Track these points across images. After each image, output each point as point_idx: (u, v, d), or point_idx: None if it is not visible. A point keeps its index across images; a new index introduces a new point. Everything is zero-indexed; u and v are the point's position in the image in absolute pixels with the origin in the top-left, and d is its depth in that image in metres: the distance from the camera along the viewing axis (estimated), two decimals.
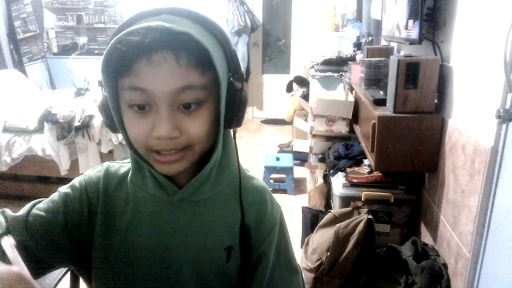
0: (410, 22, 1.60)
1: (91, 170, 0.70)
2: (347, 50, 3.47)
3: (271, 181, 3.15)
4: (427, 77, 1.45)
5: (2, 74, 3.35)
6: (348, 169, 1.87)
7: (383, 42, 2.48)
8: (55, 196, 0.66)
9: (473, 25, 1.30)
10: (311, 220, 2.10)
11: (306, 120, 3.57)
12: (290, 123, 4.03)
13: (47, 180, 2.98)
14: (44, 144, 2.66)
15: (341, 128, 2.27)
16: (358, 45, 3.15)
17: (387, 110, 1.55)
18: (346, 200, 1.77)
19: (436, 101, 1.50)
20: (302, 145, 3.41)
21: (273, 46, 5.25)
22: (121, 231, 0.66)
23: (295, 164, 3.18)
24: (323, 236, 1.68)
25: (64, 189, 0.67)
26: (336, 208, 1.83)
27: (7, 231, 0.59)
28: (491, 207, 1.18)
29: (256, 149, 4.05)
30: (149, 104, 0.55)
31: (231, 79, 0.60)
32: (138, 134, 0.57)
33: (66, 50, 5.06)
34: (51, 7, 5.06)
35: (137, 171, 0.66)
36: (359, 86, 2.08)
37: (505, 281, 1.11)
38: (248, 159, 3.70)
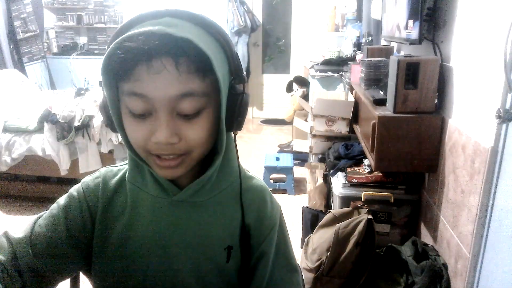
0: (410, 22, 1.60)
1: (89, 177, 0.70)
2: (347, 50, 3.47)
3: (271, 181, 3.15)
4: (427, 77, 1.45)
5: (2, 74, 3.35)
6: (348, 169, 1.87)
7: (383, 42, 2.48)
8: (54, 209, 0.66)
9: (473, 25, 1.30)
10: (311, 220, 2.10)
11: (306, 120, 3.57)
12: (290, 123, 4.03)
13: (47, 180, 2.98)
14: (44, 144, 2.66)
15: (341, 128, 2.27)
16: (358, 45, 3.15)
17: (387, 110, 1.55)
18: (346, 200, 1.77)
19: (436, 101, 1.50)
20: (302, 145, 3.41)
21: (273, 46, 5.25)
22: (118, 232, 0.66)
23: (295, 164, 3.18)
24: (323, 236, 1.68)
25: (63, 200, 0.67)
26: (336, 208, 1.83)
27: (14, 256, 0.61)
28: (491, 207, 1.18)
29: (256, 149, 4.05)
30: (149, 110, 0.54)
31: (233, 82, 0.59)
32: (137, 138, 0.57)
33: (66, 50, 5.06)
34: (51, 7, 5.06)
35: (136, 171, 0.66)
36: (359, 86, 2.08)
37: (505, 281, 1.11)
38: (248, 159, 3.70)
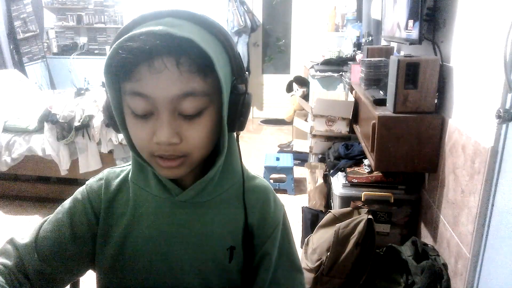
0: (410, 22, 1.60)
1: (92, 178, 0.71)
2: (347, 50, 3.47)
3: (271, 181, 3.16)
4: (427, 77, 1.45)
5: (2, 74, 3.35)
6: (348, 169, 1.87)
7: (383, 42, 2.48)
8: (59, 213, 0.67)
9: (473, 25, 1.30)
10: (311, 220, 2.10)
11: (306, 120, 3.57)
12: (290, 123, 4.03)
13: (47, 180, 2.98)
14: (44, 144, 2.66)
15: (341, 128, 2.27)
16: (358, 45, 3.15)
17: (387, 110, 1.55)
18: (346, 200, 1.77)
19: (436, 101, 1.50)
20: (302, 145, 3.41)
21: (273, 46, 5.25)
22: (120, 231, 0.66)
23: (295, 164, 3.18)
24: (323, 236, 1.68)
25: (67, 203, 0.68)
26: (336, 208, 1.83)
27: (21, 261, 0.61)
28: (491, 207, 1.18)
29: (256, 149, 4.06)
30: (150, 110, 0.55)
31: (235, 82, 0.59)
32: (139, 138, 0.57)
33: (66, 50, 5.06)
34: (51, 7, 5.06)
35: (139, 171, 0.66)
36: (359, 86, 2.08)
37: (505, 281, 1.11)
38: (248, 159, 3.70)
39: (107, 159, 2.72)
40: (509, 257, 1.09)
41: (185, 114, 0.55)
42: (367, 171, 1.81)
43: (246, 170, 0.71)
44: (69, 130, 2.63)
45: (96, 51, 5.11)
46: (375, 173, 1.76)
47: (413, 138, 1.50)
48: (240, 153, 0.67)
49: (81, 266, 0.67)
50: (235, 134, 0.65)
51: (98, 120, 2.61)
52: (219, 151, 0.62)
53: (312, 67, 3.27)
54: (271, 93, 5.32)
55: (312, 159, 2.64)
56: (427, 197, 1.65)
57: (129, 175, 0.67)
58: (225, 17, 4.72)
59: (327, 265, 1.57)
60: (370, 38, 2.79)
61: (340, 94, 2.99)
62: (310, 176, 2.51)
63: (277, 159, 3.17)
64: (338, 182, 1.86)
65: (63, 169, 2.71)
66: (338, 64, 3.13)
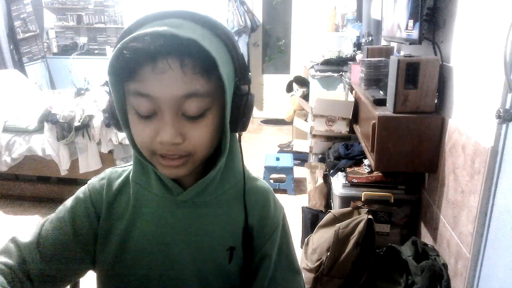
0: (410, 22, 1.60)
1: (94, 178, 0.71)
2: (347, 50, 3.47)
3: (271, 181, 3.16)
4: (427, 77, 1.45)
5: (2, 74, 3.35)
6: (348, 169, 1.87)
7: (383, 42, 2.48)
8: (61, 212, 0.67)
9: (473, 25, 1.30)
10: (311, 220, 2.10)
11: (306, 120, 3.57)
12: (290, 123, 4.03)
13: (47, 180, 2.98)
14: (44, 144, 2.66)
15: (341, 128, 2.27)
16: (358, 45, 3.15)
17: (387, 110, 1.55)
18: (346, 200, 1.77)
19: (436, 101, 1.50)
20: (302, 145, 3.41)
21: (273, 46, 5.25)
22: (121, 231, 0.66)
23: (295, 164, 3.18)
24: (323, 236, 1.68)
25: (69, 202, 0.68)
26: (336, 208, 1.83)
27: (23, 261, 0.61)
28: (491, 207, 1.18)
29: (256, 149, 4.06)
30: (154, 110, 0.55)
31: (238, 83, 0.59)
32: (142, 137, 0.57)
33: (66, 50, 5.06)
34: (51, 7, 5.06)
35: (141, 170, 0.66)
36: (359, 86, 2.08)
37: (505, 281, 1.11)
38: (248, 159, 3.70)
39: (107, 159, 2.72)
40: (509, 257, 1.09)
41: (188, 114, 0.55)
42: (367, 171, 1.81)
43: (247, 171, 0.71)
44: (69, 130, 2.63)
45: (96, 51, 5.11)
46: (375, 173, 1.76)
47: (413, 138, 1.50)
48: (242, 154, 0.68)
49: (83, 266, 0.67)
50: (237, 134, 0.65)
51: (98, 120, 2.61)
52: (220, 152, 0.62)
53: (312, 67, 3.27)
54: (271, 93, 5.32)
55: (312, 159, 2.64)
56: (427, 197, 1.65)
57: (131, 175, 0.67)
58: (225, 17, 4.72)
59: (327, 265, 1.57)
60: (370, 38, 2.79)
61: (340, 94, 2.99)
62: (310, 176, 2.51)
63: (277, 159, 3.17)
64: (338, 182, 1.86)
65: (63, 169, 2.71)
66: (338, 64, 3.13)
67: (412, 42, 1.61)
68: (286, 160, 3.14)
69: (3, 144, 2.72)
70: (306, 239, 1.83)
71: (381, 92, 1.73)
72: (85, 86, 3.54)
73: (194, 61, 0.52)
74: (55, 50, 5.10)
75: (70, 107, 2.65)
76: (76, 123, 2.61)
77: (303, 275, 0.77)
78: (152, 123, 0.55)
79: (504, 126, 1.12)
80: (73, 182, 2.85)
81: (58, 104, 2.70)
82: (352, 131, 2.24)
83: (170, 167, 0.58)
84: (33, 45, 4.59)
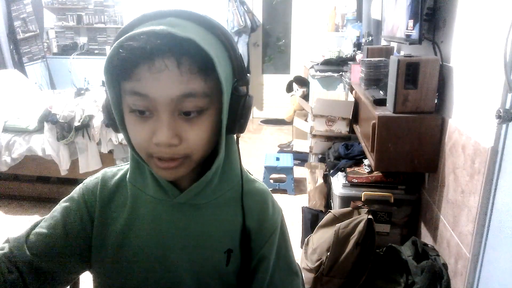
0: (410, 22, 1.60)
1: (90, 177, 0.71)
2: (347, 50, 3.47)
3: (271, 181, 3.15)
4: (427, 77, 1.45)
5: (2, 74, 3.35)
6: (348, 169, 1.87)
7: (383, 42, 2.48)
8: (55, 211, 0.67)
9: (473, 25, 1.30)
10: (311, 220, 2.10)
11: (306, 120, 3.57)
12: (290, 123, 4.03)
13: (47, 180, 2.98)
14: (44, 144, 2.66)
15: (341, 128, 2.27)
16: (358, 45, 3.15)
17: (387, 110, 1.55)
18: (346, 200, 1.77)
19: (436, 101, 1.50)
20: (302, 145, 3.41)
21: (273, 46, 5.25)
22: (117, 233, 0.65)
23: (295, 164, 3.18)
24: (323, 236, 1.68)
25: (63, 202, 0.68)
26: (336, 208, 1.83)
27: (10, 252, 0.61)
28: (491, 207, 1.18)
29: (256, 149, 4.06)
30: (150, 110, 0.54)
31: (236, 84, 0.58)
32: (139, 138, 0.56)
33: (66, 50, 5.06)
34: (51, 7, 5.06)
35: (137, 172, 0.66)
36: (359, 86, 2.08)
37: (505, 281, 1.11)
38: (248, 159, 3.70)
39: (107, 159, 2.72)
40: (509, 257, 1.09)
41: (185, 115, 0.54)
42: (367, 171, 1.81)
43: (245, 173, 0.71)
44: (69, 130, 2.63)
45: (96, 51, 5.11)
46: (375, 173, 1.76)
47: (413, 138, 1.50)
48: (240, 156, 0.67)
49: (75, 264, 0.66)
50: (235, 136, 0.64)
51: (98, 120, 2.61)
52: (217, 154, 0.61)
53: (312, 67, 3.27)
54: (271, 93, 5.32)
55: (312, 159, 2.64)
56: (427, 197, 1.65)
57: (127, 176, 0.67)
58: (225, 17, 4.72)
59: (327, 265, 1.57)
60: (370, 38, 2.79)
61: (340, 94, 2.99)
62: (310, 176, 2.51)
63: (277, 159, 3.17)
64: (338, 182, 1.86)
65: (63, 169, 2.71)
66: (338, 64, 3.13)
67: (412, 42, 1.61)
68: (286, 160, 3.14)
69: (3, 144, 2.72)
70: (306, 239, 1.83)
71: (381, 92, 1.73)
72: (85, 86, 3.54)
73: (191, 61, 0.52)
74: (55, 50, 5.10)
75: (70, 107, 2.65)
76: (76, 123, 2.61)
77: (302, 276, 0.77)
78: (149, 124, 0.55)
79: (504, 126, 1.12)
80: (73, 182, 2.84)
81: (58, 104, 2.70)
82: (352, 131, 2.24)
83: (166, 169, 0.57)
84: (33, 45, 4.59)
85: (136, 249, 0.65)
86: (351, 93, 2.35)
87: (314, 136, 2.38)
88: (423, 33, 1.53)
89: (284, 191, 3.06)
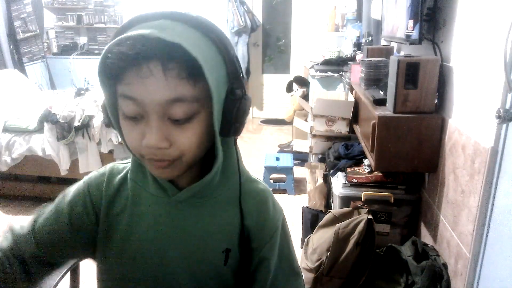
0: (410, 22, 1.60)
1: (95, 172, 0.71)
2: (347, 50, 3.47)
3: (271, 181, 3.15)
4: (427, 77, 1.45)
5: (2, 74, 3.35)
6: (348, 169, 1.87)
7: (383, 42, 2.48)
8: (59, 203, 0.68)
9: (473, 25, 1.30)
10: (311, 220, 2.10)
11: (306, 120, 3.57)
12: (290, 123, 4.03)
13: (47, 180, 2.98)
14: (44, 144, 2.66)
15: (341, 128, 2.27)
16: (358, 45, 3.15)
17: (387, 110, 1.55)
18: (346, 200, 1.77)
19: (436, 101, 1.50)
20: (302, 145, 3.41)
21: (273, 46, 5.25)
22: (121, 230, 0.66)
23: (295, 164, 3.18)
24: (323, 236, 1.68)
25: (68, 194, 0.69)
26: (336, 208, 1.83)
27: (16, 245, 0.63)
28: (491, 207, 1.18)
29: (256, 149, 4.06)
30: (140, 114, 0.54)
31: (231, 86, 0.57)
32: (131, 140, 0.57)
33: (66, 50, 5.06)
34: (51, 7, 5.06)
35: (138, 169, 0.67)
36: (359, 86, 2.08)
37: (505, 281, 1.11)
38: (248, 159, 3.70)
39: (107, 159, 2.72)
40: (509, 257, 1.09)
41: (175, 119, 0.54)
42: (367, 171, 1.81)
43: (246, 173, 0.71)
44: (69, 130, 2.63)
45: (96, 51, 5.11)
46: (375, 173, 1.76)
47: (413, 138, 1.50)
48: (238, 156, 0.66)
49: (78, 254, 0.69)
50: (232, 138, 0.64)
51: (98, 120, 2.61)
52: (215, 156, 0.61)
53: (312, 67, 3.27)
54: (271, 93, 5.32)
55: (312, 159, 2.64)
56: (427, 197, 1.65)
57: (129, 173, 0.67)
58: (225, 17, 4.72)
59: (327, 265, 1.57)
60: (370, 38, 2.79)
61: (340, 94, 2.98)
62: (310, 176, 2.51)
63: (277, 159, 3.17)
64: (338, 182, 1.86)
65: (63, 169, 2.71)
66: (338, 64, 3.13)
67: (412, 42, 1.61)
68: (286, 160, 3.14)
69: (3, 144, 2.72)
70: (306, 239, 1.83)
71: (381, 92, 1.73)
72: (85, 86, 3.54)
73: (179, 66, 0.51)
74: (55, 50, 5.10)
75: (70, 107, 2.65)
76: (76, 123, 2.61)
77: (303, 276, 0.77)
78: (139, 127, 0.55)
79: (504, 126, 1.12)
80: (73, 182, 2.78)
81: (58, 104, 2.70)
82: (352, 131, 2.24)
83: (159, 169, 0.58)
84: (33, 45, 4.59)
85: (137, 245, 0.66)
86: (351, 93, 2.35)
87: (314, 136, 2.38)
88: (423, 33, 1.53)
89: (284, 191, 3.06)
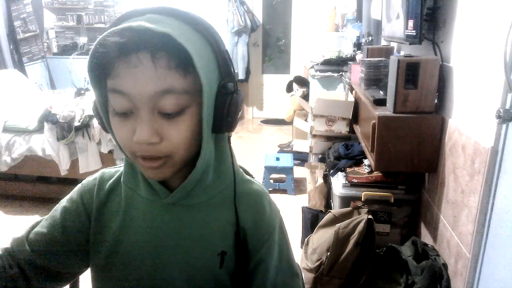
0: (410, 22, 1.60)
1: (88, 178, 0.71)
2: (347, 50, 3.47)
3: (271, 181, 3.15)
4: (427, 77, 1.45)
5: (2, 74, 3.35)
6: (348, 169, 1.87)
7: (383, 42, 2.48)
8: (55, 211, 0.68)
9: (473, 25, 1.30)
10: (311, 220, 2.10)
11: (306, 120, 3.57)
12: (290, 123, 4.03)
13: (47, 180, 2.98)
14: (44, 144, 2.66)
15: (341, 128, 2.27)
16: (358, 45, 3.15)
17: (387, 110, 1.55)
18: (346, 200, 1.77)
19: (436, 101, 1.50)
20: (302, 145, 3.41)
21: (273, 46, 5.25)
22: (112, 234, 0.66)
23: (295, 164, 3.18)
24: (323, 236, 1.68)
25: (63, 202, 0.69)
26: (336, 208, 1.83)
27: (11, 250, 0.64)
28: (491, 207, 1.18)
29: (256, 149, 4.06)
30: (130, 109, 0.54)
31: (223, 81, 0.56)
32: (122, 138, 0.56)
33: (66, 50, 5.06)
34: (51, 7, 5.07)
35: (130, 173, 0.66)
36: (359, 86, 2.08)
37: (505, 281, 1.11)
38: (248, 159, 3.70)
39: (107, 159, 2.72)
40: (509, 257, 1.09)
41: (165, 112, 0.53)
42: (367, 171, 1.81)
43: (241, 174, 0.70)
44: (69, 130, 2.63)
45: None
46: (375, 173, 1.76)
47: (413, 138, 1.50)
48: (232, 155, 0.66)
49: (74, 262, 0.67)
50: (226, 135, 0.63)
51: None
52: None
53: (312, 67, 3.27)
54: (271, 93, 5.32)
55: (312, 159, 2.64)
56: (427, 197, 1.65)
57: (122, 176, 0.67)
58: (225, 17, 4.72)
59: (327, 265, 1.57)
60: (370, 38, 2.79)
61: (340, 94, 2.98)
62: (310, 176, 2.51)
63: (277, 159, 3.17)
64: (338, 182, 1.86)
65: (63, 169, 2.71)
66: (338, 64, 3.13)
67: (412, 42, 1.61)
68: (286, 160, 3.14)
69: (3, 144, 2.72)
70: (306, 239, 1.83)
71: (381, 92, 1.73)
72: (85, 86, 3.54)
73: (168, 56, 0.51)
74: (55, 50, 5.10)
75: (70, 107, 2.65)
76: (76, 123, 2.61)
77: (302, 276, 0.77)
78: (130, 122, 0.54)
79: (504, 126, 1.12)
80: (73, 182, 2.83)
81: (58, 104, 2.70)
82: (352, 131, 2.24)
83: (150, 169, 0.57)
84: (33, 45, 4.59)
85: (129, 249, 0.65)
86: (351, 93, 2.35)
87: (314, 136, 2.38)
88: (423, 33, 1.53)
89: (284, 191, 3.06)
